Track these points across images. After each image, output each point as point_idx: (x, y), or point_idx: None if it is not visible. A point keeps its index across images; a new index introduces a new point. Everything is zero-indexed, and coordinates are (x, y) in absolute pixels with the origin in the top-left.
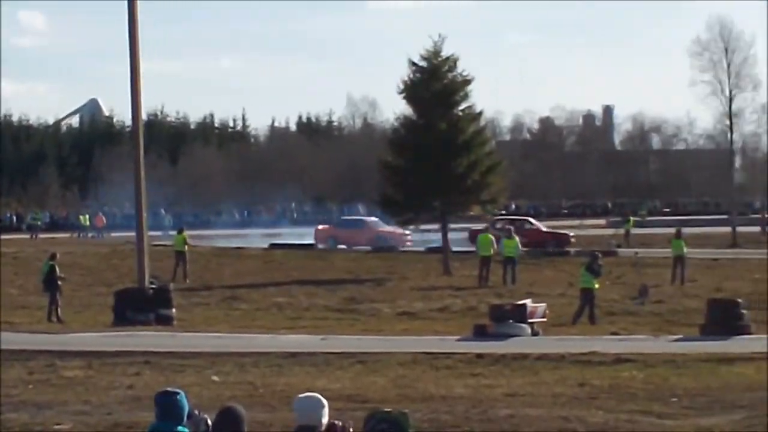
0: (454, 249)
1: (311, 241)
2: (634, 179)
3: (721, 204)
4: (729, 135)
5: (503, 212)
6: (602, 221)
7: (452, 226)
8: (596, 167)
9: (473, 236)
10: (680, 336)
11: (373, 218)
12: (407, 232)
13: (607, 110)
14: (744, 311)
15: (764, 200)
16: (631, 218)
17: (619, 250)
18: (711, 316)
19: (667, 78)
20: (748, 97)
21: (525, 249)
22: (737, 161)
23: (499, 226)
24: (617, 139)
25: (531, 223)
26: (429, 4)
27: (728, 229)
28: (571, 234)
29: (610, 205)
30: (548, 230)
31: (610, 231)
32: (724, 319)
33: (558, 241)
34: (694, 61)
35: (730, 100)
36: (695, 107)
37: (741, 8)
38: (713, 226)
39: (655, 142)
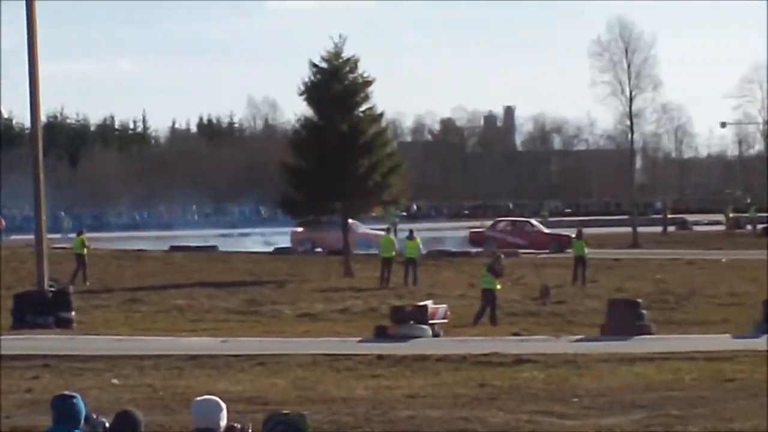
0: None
1: (213, 243)
2: (535, 180)
3: (621, 204)
4: (629, 135)
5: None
6: None
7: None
8: (498, 168)
9: (473, 238)
10: (581, 336)
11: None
12: None
13: (509, 111)
14: (644, 311)
15: (665, 200)
16: (535, 218)
17: (521, 250)
18: (611, 316)
19: (568, 78)
20: (648, 98)
21: (527, 252)
22: (638, 161)
23: (500, 227)
24: (518, 140)
25: (532, 225)
26: (329, 5)
27: (629, 229)
28: (573, 235)
29: (511, 205)
30: (550, 232)
31: None
32: (624, 319)
33: (560, 242)
34: (595, 61)
35: (631, 100)
36: (596, 108)
37: (642, 8)
38: (614, 226)
39: (556, 142)
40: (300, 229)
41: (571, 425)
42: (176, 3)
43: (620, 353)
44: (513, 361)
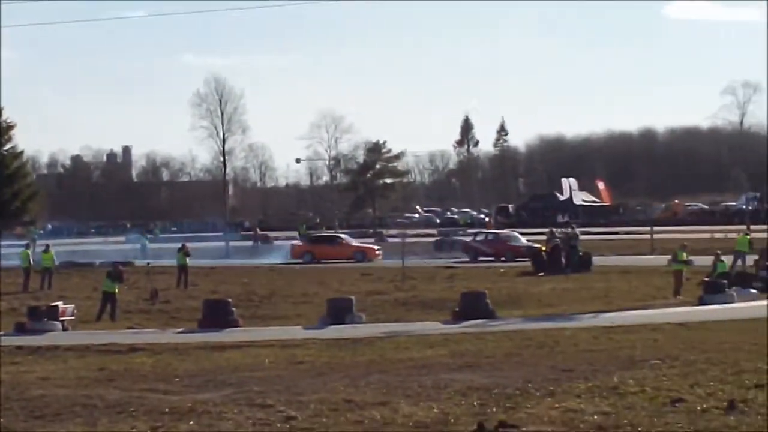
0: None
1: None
2: (149, 204)
3: (217, 224)
4: (223, 169)
5: (47, 229)
6: (122, 238)
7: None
8: (118, 195)
9: (464, 248)
10: (182, 329)
11: (344, 234)
12: (377, 247)
13: (127, 149)
14: (233, 309)
15: (253, 220)
16: (148, 235)
17: (136, 261)
18: (207, 313)
19: (174, 123)
20: (238, 139)
21: (493, 259)
22: (230, 189)
23: (478, 239)
24: (135, 173)
25: (507, 237)
26: None
27: (223, 243)
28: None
29: (129, 225)
30: (514, 244)
31: (129, 246)
32: (217, 315)
33: (513, 253)
34: (195, 110)
35: (224, 141)
36: (197, 147)
37: (232, 69)
38: (211, 241)
39: (165, 174)
40: (297, 243)
41: (174, 399)
42: None
43: (213, 342)
44: (128, 349)
